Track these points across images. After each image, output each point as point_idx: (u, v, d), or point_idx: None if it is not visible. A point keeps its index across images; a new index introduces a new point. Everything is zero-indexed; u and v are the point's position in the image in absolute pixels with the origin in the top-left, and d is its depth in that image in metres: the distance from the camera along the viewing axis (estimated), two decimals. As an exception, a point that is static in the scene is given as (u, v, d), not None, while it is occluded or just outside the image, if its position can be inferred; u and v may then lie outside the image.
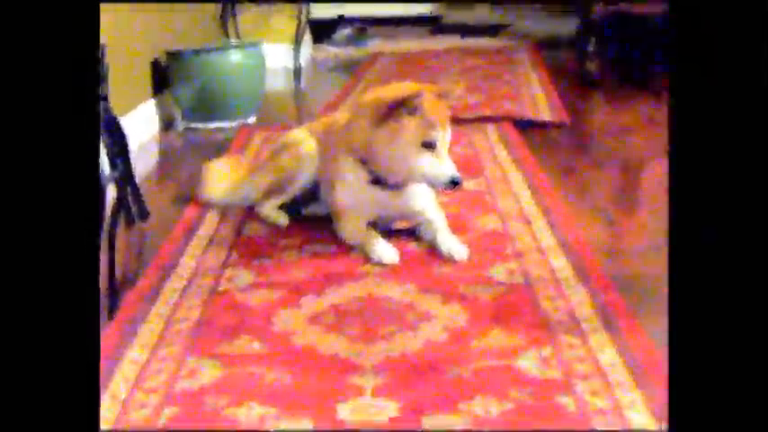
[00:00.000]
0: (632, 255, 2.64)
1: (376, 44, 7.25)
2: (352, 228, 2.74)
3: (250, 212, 3.07)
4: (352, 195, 2.75)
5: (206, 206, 3.16)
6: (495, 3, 8.05)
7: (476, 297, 2.35)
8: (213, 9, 6.04)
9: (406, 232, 2.80)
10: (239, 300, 2.39)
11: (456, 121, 3.62)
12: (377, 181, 2.71)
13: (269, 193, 3.02)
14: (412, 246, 2.72)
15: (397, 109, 2.58)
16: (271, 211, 2.99)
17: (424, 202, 2.77)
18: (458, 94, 2.75)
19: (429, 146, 2.58)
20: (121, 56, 3.95)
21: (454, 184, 2.57)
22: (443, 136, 2.60)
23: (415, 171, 2.60)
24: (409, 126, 2.57)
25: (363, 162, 2.70)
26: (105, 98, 2.59)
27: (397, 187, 2.72)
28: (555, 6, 7.20)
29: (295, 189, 2.99)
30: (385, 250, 2.61)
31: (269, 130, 4.23)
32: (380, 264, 2.58)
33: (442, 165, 2.58)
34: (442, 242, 2.65)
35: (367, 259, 2.62)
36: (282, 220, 2.96)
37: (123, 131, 2.85)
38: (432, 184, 2.61)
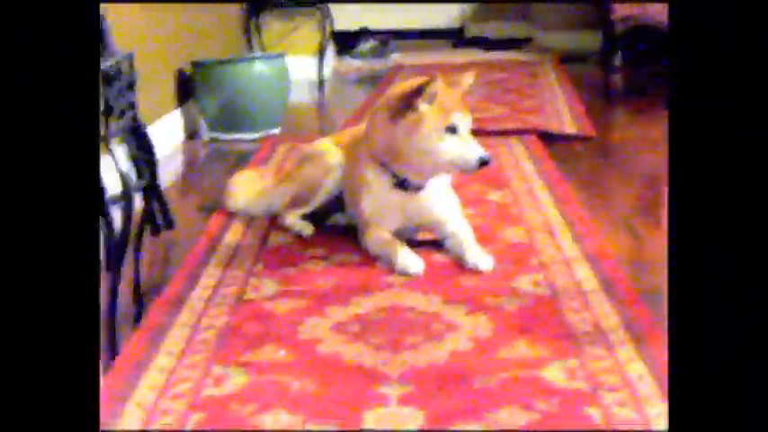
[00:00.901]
0: (657, 267, 2.63)
1: (398, 57, 7.26)
2: (376, 237, 2.74)
3: (275, 222, 3.08)
4: (376, 203, 2.75)
5: (231, 216, 3.17)
6: (518, 17, 8.05)
7: (501, 308, 2.34)
8: (238, 20, 6.07)
9: (431, 243, 2.80)
10: (265, 309, 2.40)
11: (480, 133, 3.62)
12: (401, 184, 2.71)
13: (294, 202, 3.02)
14: (437, 257, 2.72)
15: (413, 100, 2.59)
16: (295, 220, 3.00)
17: (449, 211, 2.77)
18: (468, 83, 2.74)
19: (452, 130, 2.59)
20: (148, 65, 3.97)
21: (483, 163, 2.58)
22: (464, 118, 2.61)
23: (442, 158, 2.60)
24: (429, 114, 2.59)
25: (386, 166, 2.70)
26: (133, 106, 2.60)
27: (421, 188, 2.72)
28: (578, 20, 7.19)
29: (320, 199, 2.99)
30: (410, 260, 2.61)
31: (293, 142, 4.24)
32: (405, 274, 2.58)
33: (468, 147, 2.58)
34: (468, 253, 2.64)
35: (392, 269, 2.62)
36: (307, 229, 2.96)
37: (150, 141, 2.86)
38: (461, 167, 2.61)
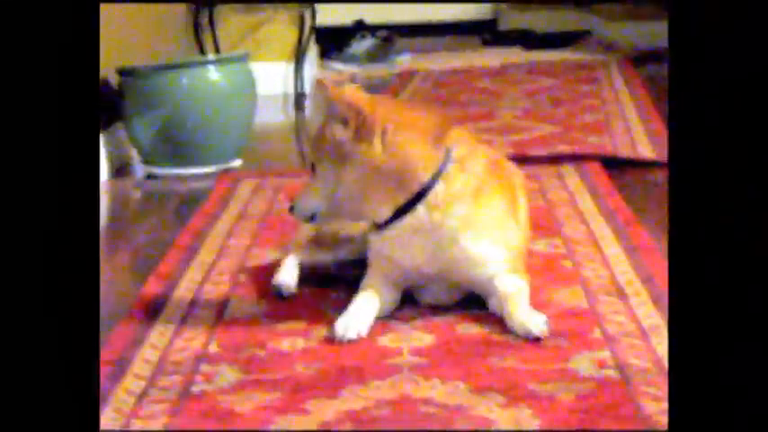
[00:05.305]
0: None
1: (407, 60, 7.31)
2: (371, 282, 2.79)
3: (235, 283, 3.09)
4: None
5: (170, 281, 3.18)
6: (573, 2, 8.09)
7: (552, 398, 2.34)
8: (184, 14, 6.10)
9: (453, 306, 2.81)
10: (221, 406, 2.39)
11: (522, 160, 3.65)
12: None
13: (316, 241, 3.08)
14: (462, 327, 2.72)
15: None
16: (290, 266, 3.03)
17: (495, 257, 2.78)
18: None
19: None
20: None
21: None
22: None
23: None
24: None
25: None
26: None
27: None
28: (654, 7, 7.23)
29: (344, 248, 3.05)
30: (348, 321, 2.67)
31: (261, 178, 4.25)
32: (349, 340, 2.64)
33: None
34: (514, 312, 2.65)
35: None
36: (289, 284, 2.98)
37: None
38: None
